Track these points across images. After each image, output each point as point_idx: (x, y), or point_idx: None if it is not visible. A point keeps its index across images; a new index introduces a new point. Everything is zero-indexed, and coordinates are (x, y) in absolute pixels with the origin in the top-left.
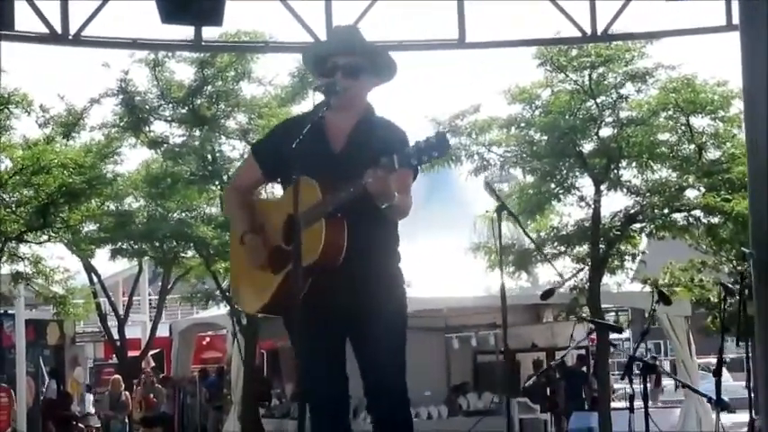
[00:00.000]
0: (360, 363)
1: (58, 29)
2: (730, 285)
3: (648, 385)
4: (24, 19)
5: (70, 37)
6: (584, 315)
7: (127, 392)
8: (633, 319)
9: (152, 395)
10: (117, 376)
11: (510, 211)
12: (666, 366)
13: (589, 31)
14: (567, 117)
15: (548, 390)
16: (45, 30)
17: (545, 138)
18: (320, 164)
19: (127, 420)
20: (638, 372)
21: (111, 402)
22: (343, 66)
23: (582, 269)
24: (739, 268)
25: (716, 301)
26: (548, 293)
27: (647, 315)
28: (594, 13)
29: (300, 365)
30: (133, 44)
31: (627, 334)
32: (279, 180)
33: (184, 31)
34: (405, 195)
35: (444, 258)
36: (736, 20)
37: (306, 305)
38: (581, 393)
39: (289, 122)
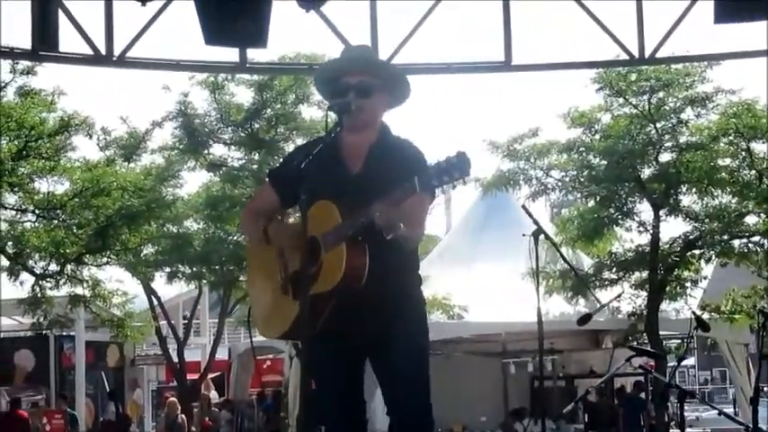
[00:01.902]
0: (382, 386)
1: (103, 50)
2: None
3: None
4: (70, 40)
5: (114, 58)
6: (630, 342)
7: (183, 415)
8: (698, 345)
9: (208, 418)
10: (173, 399)
11: (547, 235)
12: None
13: (637, 54)
14: (625, 141)
15: (585, 416)
16: (90, 51)
17: (604, 162)
18: (338, 186)
19: None
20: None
21: (167, 425)
22: (356, 85)
23: (620, 293)
24: None
25: None
26: (584, 319)
27: (698, 342)
28: (642, 36)
29: (317, 389)
30: (177, 65)
31: (692, 361)
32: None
33: (232, 53)
34: (414, 226)
35: (502, 283)
36: None
37: (327, 329)
38: (639, 421)
39: (307, 145)
